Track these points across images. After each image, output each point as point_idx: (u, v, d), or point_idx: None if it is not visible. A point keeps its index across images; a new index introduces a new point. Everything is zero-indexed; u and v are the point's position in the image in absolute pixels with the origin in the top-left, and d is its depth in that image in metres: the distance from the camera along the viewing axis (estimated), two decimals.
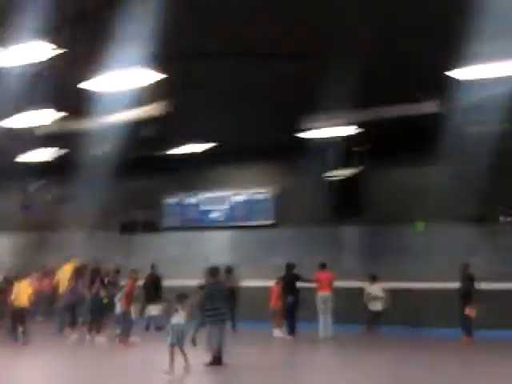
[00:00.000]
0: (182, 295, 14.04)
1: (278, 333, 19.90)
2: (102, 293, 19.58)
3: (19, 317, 18.40)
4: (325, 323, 19.57)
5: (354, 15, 11.83)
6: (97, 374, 14.14)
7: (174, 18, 11.30)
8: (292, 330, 19.52)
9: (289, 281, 19.80)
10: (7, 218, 27.42)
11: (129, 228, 26.97)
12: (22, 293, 18.49)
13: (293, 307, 19.54)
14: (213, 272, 14.87)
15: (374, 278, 20.79)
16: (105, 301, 19.50)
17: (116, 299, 18.75)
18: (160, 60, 13.38)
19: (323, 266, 20.13)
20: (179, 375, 13.26)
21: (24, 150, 22.72)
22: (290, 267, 19.99)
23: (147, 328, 21.38)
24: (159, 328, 20.84)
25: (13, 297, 18.53)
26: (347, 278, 20.86)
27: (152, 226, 26.71)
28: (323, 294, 19.76)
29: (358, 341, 19.29)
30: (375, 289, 20.72)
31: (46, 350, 17.87)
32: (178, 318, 13.69)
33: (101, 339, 18.88)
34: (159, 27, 11.56)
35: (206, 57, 13.83)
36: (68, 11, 11.58)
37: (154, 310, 21.46)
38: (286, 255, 22.08)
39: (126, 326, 18.41)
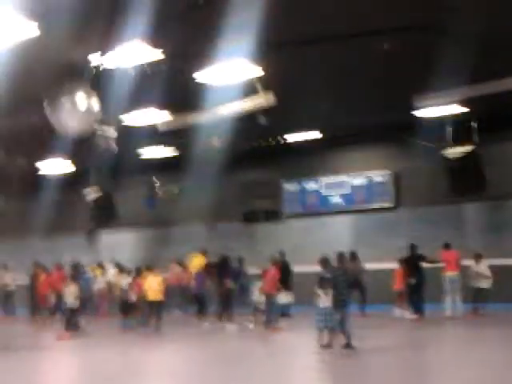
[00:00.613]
0: (324, 280, 14.14)
1: (400, 313, 19.86)
2: (231, 283, 20.06)
3: (154, 309, 18.97)
4: (453, 303, 19.36)
5: None
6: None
7: (277, 4, 11.44)
8: (418, 310, 19.38)
9: (412, 261, 19.72)
10: (133, 214, 28.27)
11: (251, 218, 27.30)
12: (156, 286, 19.00)
13: (417, 288, 19.43)
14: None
15: (479, 256, 20.08)
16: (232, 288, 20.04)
17: (252, 287, 19.14)
18: (266, 49, 13.55)
19: (448, 246, 19.94)
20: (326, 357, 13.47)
21: (146, 146, 23.48)
22: (413, 248, 19.95)
23: (280, 315, 21.72)
24: (287, 315, 21.15)
25: (146, 289, 19.14)
26: (471, 256, 20.34)
27: (273, 215, 26.95)
28: (451, 274, 19.58)
29: (479, 320, 18.91)
30: (481, 267, 19.97)
31: (181, 340, 18.31)
32: (325, 302, 13.84)
33: (231, 327, 19.31)
34: (263, 17, 11.73)
35: (314, 42, 13.89)
36: (173, 8, 11.94)
37: (283, 297, 21.68)
38: (407, 236, 21.94)
39: (271, 312, 18.58)
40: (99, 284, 26.22)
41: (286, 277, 21.84)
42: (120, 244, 30.48)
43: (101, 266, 27.41)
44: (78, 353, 16.88)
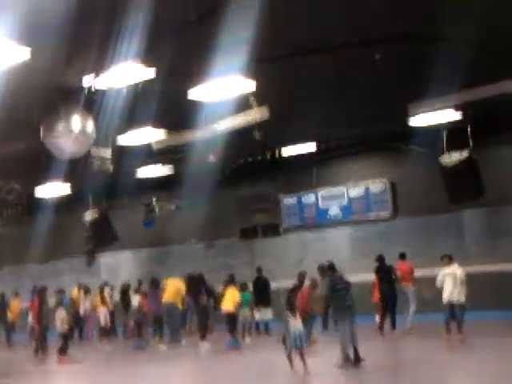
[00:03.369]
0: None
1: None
2: (209, 301, 20.35)
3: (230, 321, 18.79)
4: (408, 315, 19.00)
5: None
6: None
7: (270, 18, 11.42)
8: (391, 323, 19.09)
9: (383, 273, 19.47)
10: (131, 234, 28.18)
11: (249, 233, 27.25)
12: (230, 298, 18.69)
13: (390, 299, 19.13)
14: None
15: (447, 258, 16.70)
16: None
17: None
18: (259, 64, 13.53)
19: (402, 257, 19.70)
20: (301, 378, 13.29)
21: (142, 166, 23.43)
22: (381, 259, 19.61)
23: (258, 330, 21.66)
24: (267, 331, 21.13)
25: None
26: (471, 263, 20.13)
27: (272, 229, 26.89)
28: (402, 286, 19.26)
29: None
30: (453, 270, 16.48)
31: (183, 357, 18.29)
32: (295, 323, 13.63)
33: (205, 345, 19.15)
34: (255, 32, 11.72)
35: (306, 54, 13.89)
36: (165, 26, 11.93)
37: (263, 313, 21.54)
38: (405, 246, 21.87)
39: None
40: (84, 306, 25.72)
41: (266, 293, 21.71)
42: (119, 264, 30.43)
43: (83, 288, 26.42)
44: (91, 376, 16.79)
